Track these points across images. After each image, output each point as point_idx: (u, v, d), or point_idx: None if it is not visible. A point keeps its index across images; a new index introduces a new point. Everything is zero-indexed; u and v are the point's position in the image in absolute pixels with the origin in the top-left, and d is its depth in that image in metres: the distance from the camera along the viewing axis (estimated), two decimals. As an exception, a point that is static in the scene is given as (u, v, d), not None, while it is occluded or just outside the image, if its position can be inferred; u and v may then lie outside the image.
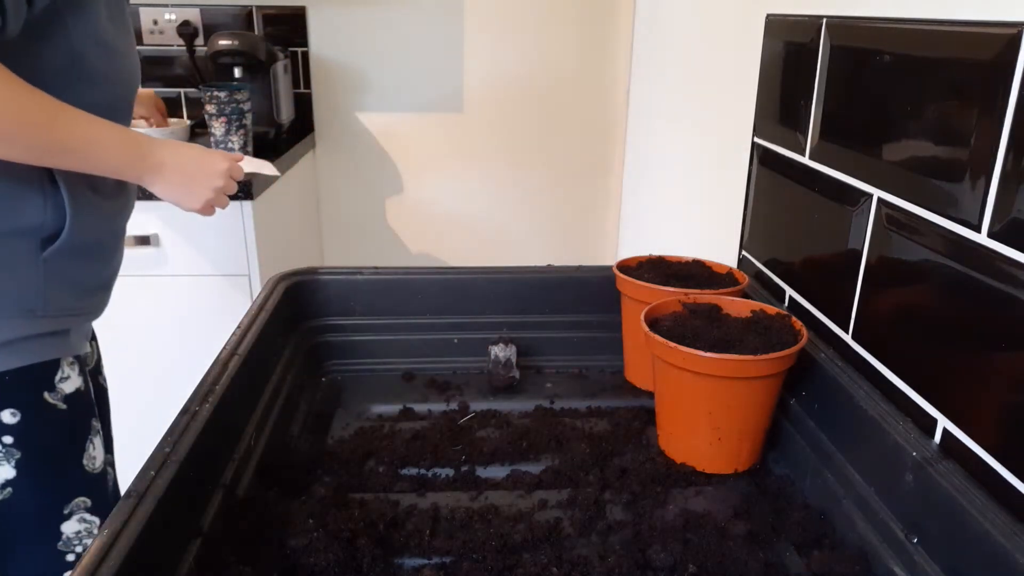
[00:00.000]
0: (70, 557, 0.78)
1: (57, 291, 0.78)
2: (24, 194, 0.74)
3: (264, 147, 1.81)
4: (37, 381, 0.76)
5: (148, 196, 1.50)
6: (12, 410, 0.73)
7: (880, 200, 0.73)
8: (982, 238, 0.59)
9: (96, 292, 0.88)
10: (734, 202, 1.14)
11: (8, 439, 0.73)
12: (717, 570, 0.65)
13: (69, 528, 0.77)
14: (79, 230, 0.79)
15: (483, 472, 0.80)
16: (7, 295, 0.75)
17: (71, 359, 0.81)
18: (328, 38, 2.07)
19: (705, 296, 0.87)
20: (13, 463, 0.73)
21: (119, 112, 0.83)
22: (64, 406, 0.78)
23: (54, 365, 0.78)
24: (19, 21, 0.68)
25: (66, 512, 0.78)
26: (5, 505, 0.73)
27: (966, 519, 0.55)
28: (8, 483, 0.72)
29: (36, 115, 0.68)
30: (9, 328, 0.74)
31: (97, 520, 0.81)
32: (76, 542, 0.79)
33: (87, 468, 0.80)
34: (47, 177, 0.75)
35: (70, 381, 0.80)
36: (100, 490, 0.82)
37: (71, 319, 0.81)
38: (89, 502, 0.80)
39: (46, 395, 0.77)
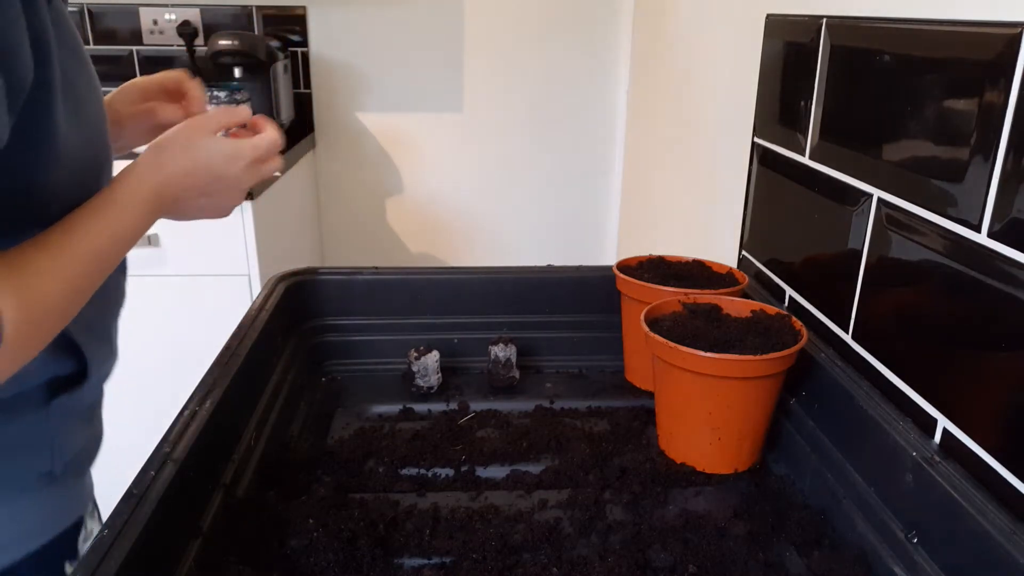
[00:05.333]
0: None
1: (67, 434, 0.64)
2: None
3: (264, 147, 1.81)
4: (60, 554, 0.63)
5: (148, 196, 1.51)
6: None
7: (880, 200, 0.73)
8: (982, 238, 0.59)
9: (99, 406, 0.72)
10: (734, 202, 1.14)
11: None
12: (717, 570, 0.65)
13: None
14: (98, 370, 0.66)
15: (483, 472, 0.80)
16: (39, 464, 0.62)
17: (91, 506, 0.68)
18: (328, 38, 2.07)
19: (705, 296, 0.87)
20: None
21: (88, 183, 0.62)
22: None
23: (77, 525, 0.65)
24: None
25: None
26: None
27: (966, 519, 0.55)
28: None
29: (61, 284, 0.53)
30: (26, 507, 0.61)
31: None
32: None
33: None
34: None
35: (99, 521, 0.69)
36: None
37: (86, 454, 0.68)
38: None
39: (67, 567, 0.64)
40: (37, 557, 0.62)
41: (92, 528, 0.68)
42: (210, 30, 1.98)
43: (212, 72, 1.86)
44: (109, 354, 0.71)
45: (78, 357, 0.63)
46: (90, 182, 0.61)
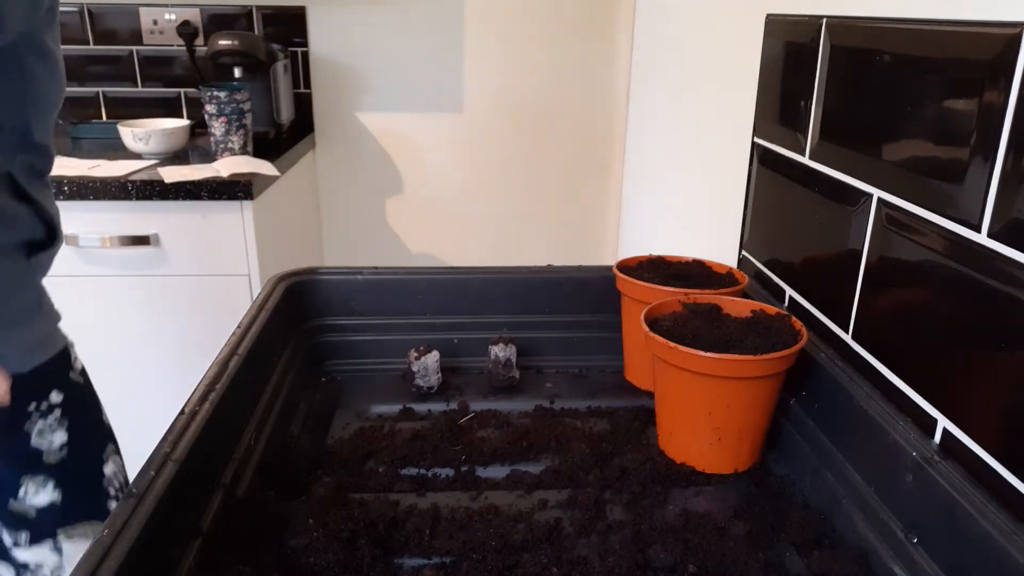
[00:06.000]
0: (111, 491, 0.99)
1: (44, 288, 0.95)
2: (15, 212, 0.88)
3: (264, 147, 1.81)
4: (64, 364, 0.94)
5: (146, 196, 1.51)
6: (56, 390, 0.91)
7: (880, 200, 0.73)
8: (982, 238, 0.59)
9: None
10: (734, 202, 1.14)
11: (57, 412, 0.91)
12: (717, 570, 0.65)
13: (108, 470, 0.99)
14: (62, 233, 0.96)
15: (483, 472, 0.80)
16: (32, 298, 0.91)
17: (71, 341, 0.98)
18: (328, 38, 2.07)
19: (705, 296, 0.87)
20: (64, 429, 0.92)
21: (50, 121, 0.93)
22: (81, 380, 0.97)
23: (67, 350, 0.94)
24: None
25: (104, 457, 0.99)
26: (64, 463, 0.92)
27: (966, 519, 0.55)
28: (64, 445, 0.92)
29: None
30: (41, 325, 0.91)
31: (123, 460, 1.03)
32: (113, 479, 0.99)
33: (106, 422, 1.01)
34: (19, 195, 0.89)
35: (78, 360, 0.98)
36: (115, 437, 1.04)
37: (56, 309, 0.96)
38: (114, 447, 1.01)
39: (70, 374, 0.94)
40: (41, 369, 0.90)
41: (76, 354, 0.97)
42: (210, 30, 1.98)
43: (212, 72, 1.87)
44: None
45: (50, 229, 0.92)
46: (61, 88, 0.93)
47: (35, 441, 0.90)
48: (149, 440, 0.64)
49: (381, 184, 2.22)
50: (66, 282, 0.99)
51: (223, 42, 1.78)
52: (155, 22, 2.00)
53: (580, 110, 2.17)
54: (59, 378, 0.93)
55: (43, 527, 0.92)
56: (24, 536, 0.91)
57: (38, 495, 0.91)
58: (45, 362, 0.91)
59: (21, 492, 0.90)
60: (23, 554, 0.92)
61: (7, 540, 0.91)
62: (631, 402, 0.95)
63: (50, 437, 0.91)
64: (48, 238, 0.93)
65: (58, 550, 0.93)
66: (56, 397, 0.91)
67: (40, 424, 0.90)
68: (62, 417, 0.92)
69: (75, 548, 0.94)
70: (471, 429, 0.88)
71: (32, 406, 0.89)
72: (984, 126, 0.59)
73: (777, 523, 0.71)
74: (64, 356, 0.94)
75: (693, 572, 0.64)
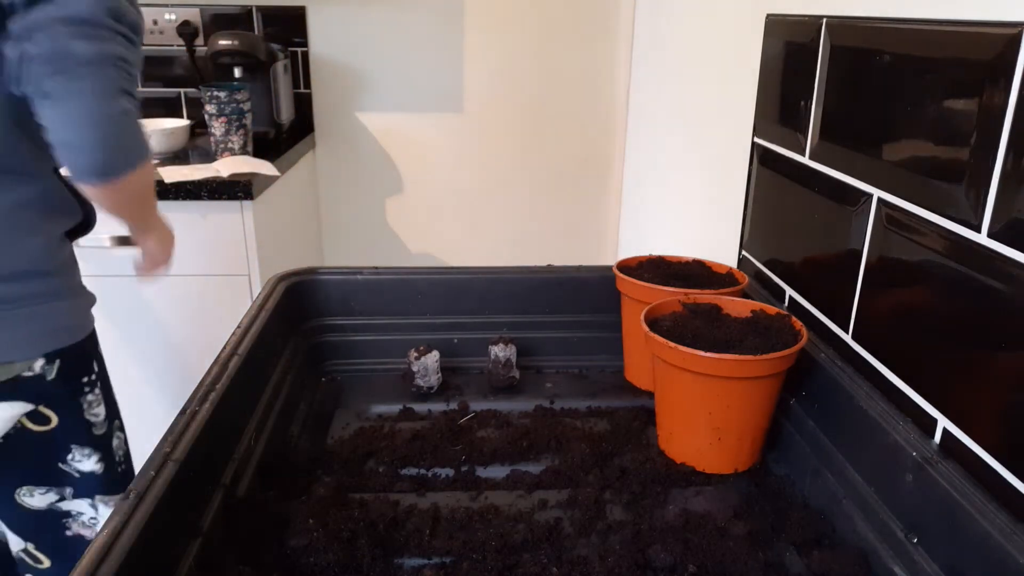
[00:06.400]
0: (117, 457, 1.09)
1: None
2: (71, 202, 0.99)
3: (264, 147, 1.81)
4: (96, 340, 1.06)
5: (148, 196, 1.50)
6: (95, 361, 1.04)
7: (880, 200, 0.73)
8: (982, 238, 0.59)
9: None
10: (734, 202, 1.14)
11: (99, 384, 1.04)
12: (717, 570, 0.65)
13: (114, 443, 1.08)
14: (94, 224, 1.06)
15: (483, 472, 0.80)
16: (79, 274, 1.04)
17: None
18: (328, 38, 2.07)
19: (705, 296, 0.87)
20: (102, 402, 1.04)
21: None
22: (103, 355, 1.09)
23: (94, 332, 1.06)
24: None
25: (115, 428, 1.09)
26: (105, 435, 1.05)
27: (966, 519, 0.55)
28: (105, 418, 1.05)
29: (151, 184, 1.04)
30: (86, 300, 1.03)
31: (126, 435, 1.14)
32: (119, 451, 1.09)
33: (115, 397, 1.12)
34: (68, 187, 1.00)
35: (100, 340, 1.09)
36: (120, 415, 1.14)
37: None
38: (119, 423, 1.11)
39: (99, 349, 1.07)
40: (91, 338, 1.03)
41: (97, 336, 1.07)
42: (210, 30, 1.98)
43: (212, 72, 1.86)
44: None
45: (87, 215, 1.03)
46: None
47: (87, 414, 1.02)
48: (149, 440, 0.64)
49: (381, 184, 2.21)
50: (66, 282, 0.99)
51: (223, 42, 1.78)
52: (155, 22, 2.00)
53: (580, 110, 2.17)
54: (96, 351, 1.05)
55: (84, 489, 1.05)
56: (69, 491, 1.04)
57: (82, 463, 1.03)
58: (91, 333, 1.03)
59: (69, 456, 1.02)
60: (66, 505, 1.05)
61: (52, 496, 1.03)
62: (631, 402, 0.95)
63: (96, 410, 1.04)
64: (83, 225, 1.04)
65: (95, 507, 1.07)
66: (96, 367, 1.04)
67: (90, 397, 1.02)
68: (99, 390, 1.05)
69: (109, 510, 1.05)
70: (471, 429, 0.88)
71: (85, 378, 1.02)
72: (984, 126, 0.59)
73: (777, 523, 0.71)
74: (95, 333, 1.06)
75: (693, 572, 0.64)
